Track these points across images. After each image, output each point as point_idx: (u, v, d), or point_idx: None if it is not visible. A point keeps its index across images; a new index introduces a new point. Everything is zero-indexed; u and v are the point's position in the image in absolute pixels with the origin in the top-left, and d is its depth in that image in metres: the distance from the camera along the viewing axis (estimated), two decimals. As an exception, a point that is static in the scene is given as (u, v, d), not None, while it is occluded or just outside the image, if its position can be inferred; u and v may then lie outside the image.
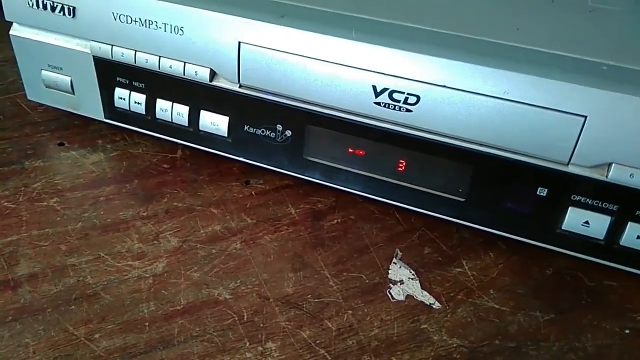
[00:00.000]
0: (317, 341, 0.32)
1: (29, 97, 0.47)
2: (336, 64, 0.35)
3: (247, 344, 0.32)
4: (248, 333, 0.32)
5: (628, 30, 0.37)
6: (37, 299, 0.33)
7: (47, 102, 0.46)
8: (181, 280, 0.35)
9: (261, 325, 0.33)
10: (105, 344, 0.31)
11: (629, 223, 0.33)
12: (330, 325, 0.33)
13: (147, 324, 0.32)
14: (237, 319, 0.33)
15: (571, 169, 0.33)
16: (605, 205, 0.34)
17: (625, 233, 0.34)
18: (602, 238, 0.34)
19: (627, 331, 0.34)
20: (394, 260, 0.37)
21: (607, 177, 0.33)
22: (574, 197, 0.34)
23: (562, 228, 0.35)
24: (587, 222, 0.34)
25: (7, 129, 0.47)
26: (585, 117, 0.31)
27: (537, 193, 0.35)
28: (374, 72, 0.34)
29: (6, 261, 0.35)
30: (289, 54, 0.36)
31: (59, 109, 0.46)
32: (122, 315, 0.33)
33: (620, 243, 0.34)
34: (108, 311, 0.33)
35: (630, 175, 0.32)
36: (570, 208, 0.34)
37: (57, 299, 0.33)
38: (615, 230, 0.34)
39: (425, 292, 0.35)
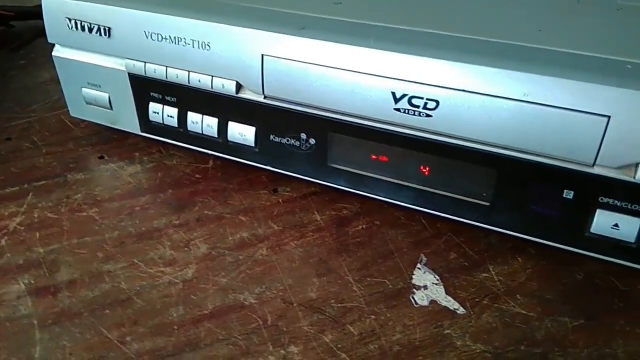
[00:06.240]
0: (339, 345, 0.33)
1: (71, 114, 0.49)
2: (355, 72, 0.36)
3: (271, 347, 0.33)
4: (272, 337, 0.33)
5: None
6: (75, 303, 0.35)
7: (88, 118, 0.49)
8: (209, 285, 0.36)
9: (284, 329, 0.34)
10: (136, 347, 0.33)
11: (661, 225, 0.32)
12: (353, 330, 0.33)
13: (175, 327, 0.34)
14: (261, 323, 0.34)
15: (597, 170, 0.32)
16: (635, 207, 0.33)
17: (658, 235, 0.33)
18: (633, 241, 0.33)
19: (662, 338, 0.33)
20: (419, 265, 0.37)
21: (634, 177, 0.32)
22: (601, 199, 0.33)
23: (591, 231, 0.34)
24: (616, 225, 0.33)
25: (53, 143, 0.50)
26: (609, 117, 0.31)
27: (563, 196, 0.34)
28: (393, 78, 0.35)
29: (48, 268, 0.37)
30: (310, 64, 0.37)
31: (99, 124, 0.49)
32: (152, 319, 0.34)
33: (653, 246, 0.33)
34: (140, 315, 0.34)
35: (660, 176, 0.31)
36: (598, 211, 0.33)
37: (93, 303, 0.35)
38: (647, 232, 0.33)
39: (450, 297, 0.35)
